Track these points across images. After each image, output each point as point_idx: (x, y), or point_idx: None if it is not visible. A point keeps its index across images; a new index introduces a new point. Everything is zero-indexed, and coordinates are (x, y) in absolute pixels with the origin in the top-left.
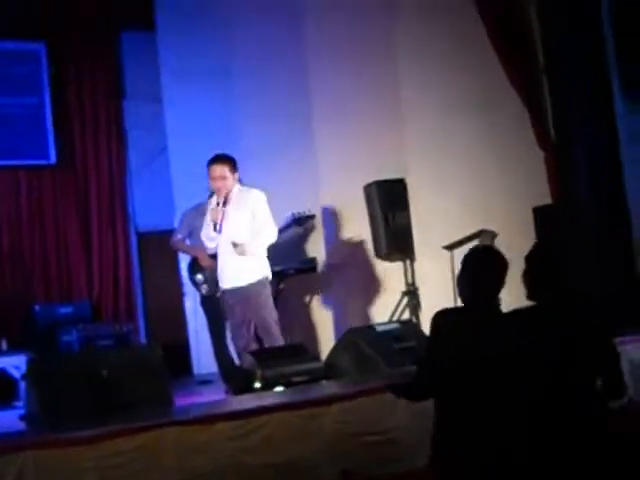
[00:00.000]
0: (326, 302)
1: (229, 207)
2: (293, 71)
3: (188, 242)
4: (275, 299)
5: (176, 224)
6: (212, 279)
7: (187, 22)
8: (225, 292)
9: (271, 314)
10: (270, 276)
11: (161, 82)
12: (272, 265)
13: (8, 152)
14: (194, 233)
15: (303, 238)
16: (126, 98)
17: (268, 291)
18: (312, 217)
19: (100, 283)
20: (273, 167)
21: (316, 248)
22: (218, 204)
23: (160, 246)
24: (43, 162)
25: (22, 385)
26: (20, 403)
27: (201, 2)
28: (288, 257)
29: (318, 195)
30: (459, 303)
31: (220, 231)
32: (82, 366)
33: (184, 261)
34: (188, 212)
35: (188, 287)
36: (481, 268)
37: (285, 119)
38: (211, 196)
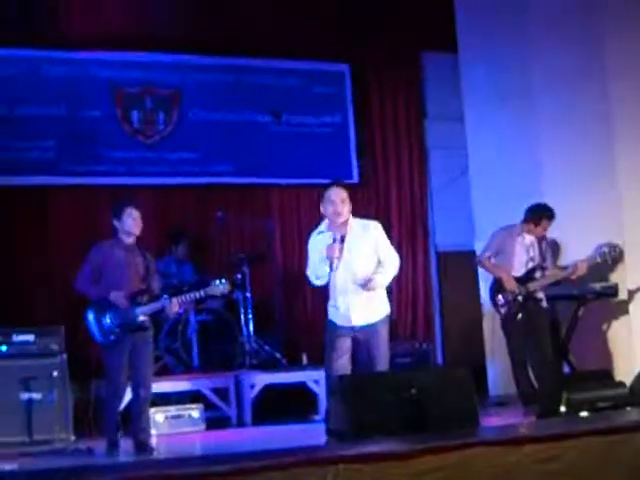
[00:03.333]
0: (625, 329)
1: (350, 240)
2: (596, 97)
3: (494, 261)
4: (574, 323)
5: (476, 244)
6: (513, 302)
7: (489, 43)
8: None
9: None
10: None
11: (463, 102)
12: (572, 289)
13: (312, 170)
14: (501, 254)
15: (606, 265)
16: (427, 118)
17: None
18: (620, 253)
19: (398, 301)
20: (575, 190)
21: (618, 274)
22: (335, 240)
23: (459, 266)
24: (346, 181)
25: (328, 400)
26: (319, 417)
27: (503, 23)
28: (588, 282)
29: (620, 220)
30: None
31: (336, 268)
32: (390, 383)
33: (483, 282)
34: (498, 232)
35: (486, 308)
36: None
37: (588, 146)
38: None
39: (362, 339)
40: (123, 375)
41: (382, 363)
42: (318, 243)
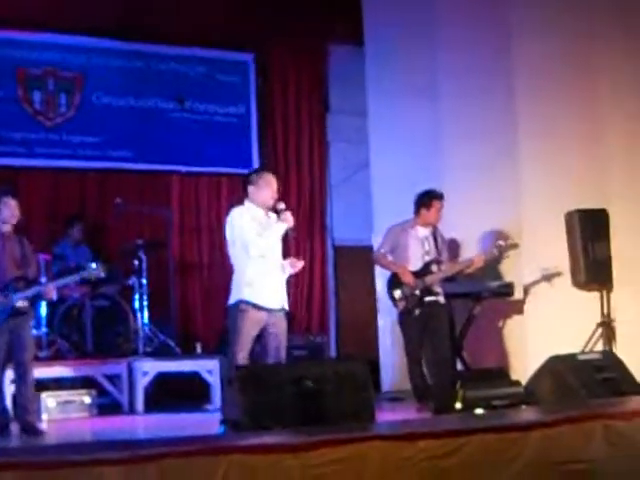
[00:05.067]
0: (519, 327)
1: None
2: (500, 92)
3: (390, 258)
4: (469, 321)
5: (374, 239)
6: (411, 296)
7: (395, 38)
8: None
9: None
10: None
11: (367, 97)
12: (468, 286)
13: (212, 159)
14: (397, 249)
15: (500, 261)
16: (330, 111)
17: None
18: (515, 246)
19: (295, 294)
20: (476, 187)
21: (513, 272)
22: (284, 210)
23: (356, 261)
24: (245, 171)
25: (223, 390)
26: (211, 407)
27: (410, 18)
28: (485, 280)
29: (519, 218)
30: None
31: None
32: (288, 375)
33: (379, 277)
34: (392, 228)
35: (382, 303)
36: None
37: (490, 140)
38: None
39: (275, 324)
40: (1, 360)
41: (284, 352)
42: (250, 218)
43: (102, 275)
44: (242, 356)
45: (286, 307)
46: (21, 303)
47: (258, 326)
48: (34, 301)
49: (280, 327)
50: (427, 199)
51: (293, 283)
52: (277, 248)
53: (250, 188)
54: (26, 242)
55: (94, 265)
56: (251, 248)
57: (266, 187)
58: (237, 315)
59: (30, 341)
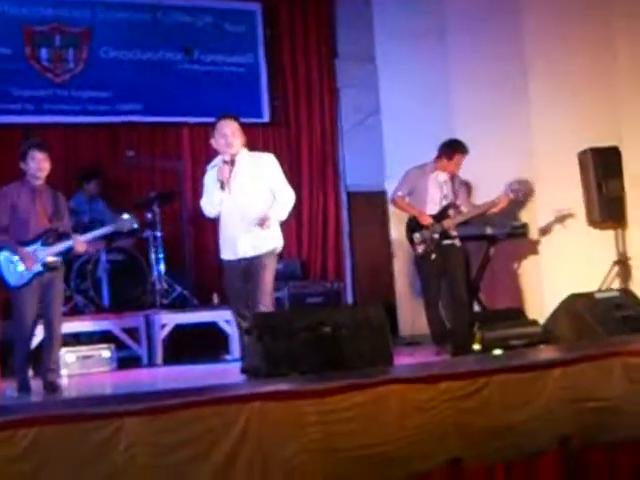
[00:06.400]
0: (535, 268)
1: (238, 170)
2: (509, 32)
3: (407, 200)
4: (485, 263)
5: (387, 184)
6: (430, 240)
7: None
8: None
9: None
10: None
11: (375, 41)
12: (483, 228)
13: (222, 109)
14: (414, 192)
15: (517, 204)
16: (339, 57)
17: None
18: (530, 192)
19: (309, 241)
20: (487, 129)
21: (528, 213)
22: (226, 162)
23: (370, 206)
24: (256, 120)
25: (242, 338)
26: (230, 357)
27: None
28: (500, 221)
29: (531, 160)
30: None
31: (228, 190)
32: (306, 322)
33: (394, 221)
34: (411, 171)
35: (397, 248)
36: None
37: (500, 81)
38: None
39: (248, 270)
40: (32, 317)
41: (262, 297)
42: (212, 176)
43: (135, 226)
44: (235, 308)
45: (248, 254)
46: (51, 258)
47: (236, 277)
48: (64, 256)
49: (252, 272)
50: (451, 150)
51: (307, 230)
52: (234, 199)
53: (212, 141)
54: (60, 196)
55: (126, 216)
56: (207, 209)
57: (219, 137)
58: (223, 269)
59: (59, 299)
